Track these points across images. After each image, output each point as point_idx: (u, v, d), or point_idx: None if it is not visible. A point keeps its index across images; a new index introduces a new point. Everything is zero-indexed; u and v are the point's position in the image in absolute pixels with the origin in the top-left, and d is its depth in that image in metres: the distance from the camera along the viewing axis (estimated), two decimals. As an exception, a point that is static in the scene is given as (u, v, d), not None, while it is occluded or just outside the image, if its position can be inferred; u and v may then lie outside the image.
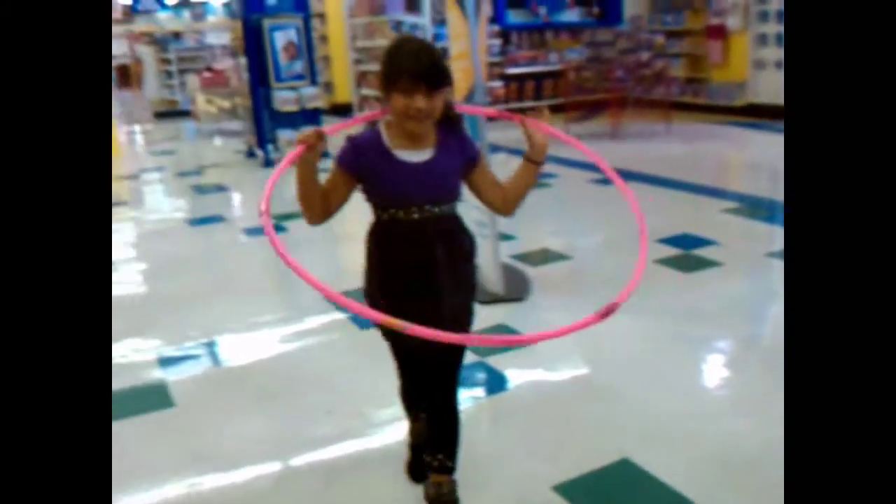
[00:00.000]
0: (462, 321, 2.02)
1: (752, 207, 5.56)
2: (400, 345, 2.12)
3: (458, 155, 1.94)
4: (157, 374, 3.20)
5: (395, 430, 2.65)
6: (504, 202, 2.01)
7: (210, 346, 3.48)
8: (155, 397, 2.99)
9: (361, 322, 3.63)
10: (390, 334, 2.09)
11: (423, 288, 1.93)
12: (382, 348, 3.32)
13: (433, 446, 2.13)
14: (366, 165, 1.90)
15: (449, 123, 1.93)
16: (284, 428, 2.74)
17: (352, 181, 1.93)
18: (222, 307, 3.97)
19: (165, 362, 3.31)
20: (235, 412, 2.88)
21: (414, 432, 2.41)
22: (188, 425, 2.80)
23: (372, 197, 1.95)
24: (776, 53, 9.62)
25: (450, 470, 2.13)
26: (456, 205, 1.99)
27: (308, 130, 1.85)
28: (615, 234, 5.04)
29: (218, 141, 10.64)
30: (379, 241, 1.98)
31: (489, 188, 2.00)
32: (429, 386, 2.11)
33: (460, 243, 2.00)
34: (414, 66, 1.76)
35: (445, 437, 2.12)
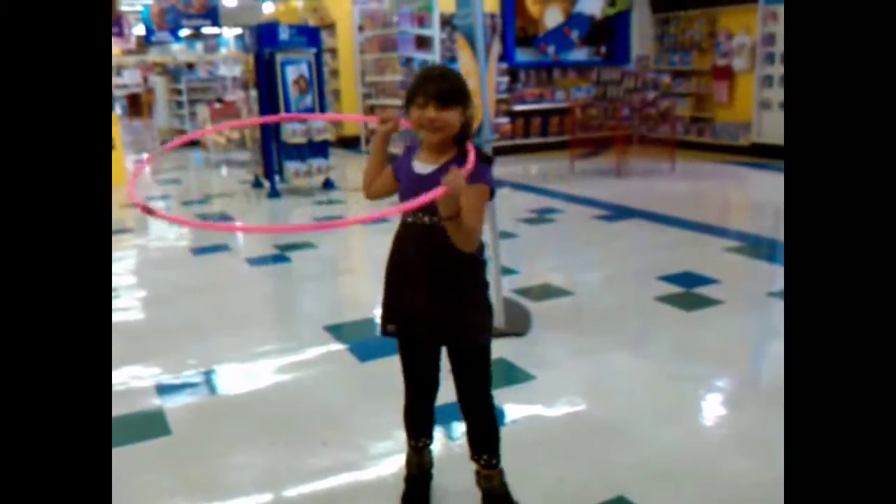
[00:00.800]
0: (455, 325, 2.10)
1: (755, 247, 5.56)
2: (412, 350, 2.25)
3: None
4: (155, 401, 3.20)
5: (390, 462, 2.64)
6: None
7: (208, 374, 3.47)
8: (152, 425, 2.98)
9: (361, 354, 3.63)
10: (404, 341, 2.23)
11: (407, 285, 2.12)
12: (380, 381, 3.34)
13: (476, 448, 2.27)
14: (398, 167, 2.17)
15: (467, 148, 2.06)
16: (280, 458, 2.72)
17: (391, 176, 2.19)
18: (222, 336, 3.97)
19: (163, 390, 3.30)
20: (232, 441, 2.86)
21: (412, 462, 2.41)
22: (184, 454, 2.79)
23: None
24: (781, 94, 9.70)
25: (495, 465, 2.27)
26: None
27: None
28: (617, 271, 5.06)
29: (225, 171, 10.73)
30: (394, 238, 2.19)
31: (463, 214, 2.01)
32: (458, 388, 2.21)
33: (451, 254, 2.01)
34: (427, 84, 2.01)
35: (486, 438, 2.26)
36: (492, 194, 2.06)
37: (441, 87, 2.00)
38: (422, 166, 2.09)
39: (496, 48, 6.61)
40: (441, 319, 2.08)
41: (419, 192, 2.00)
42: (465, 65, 3.83)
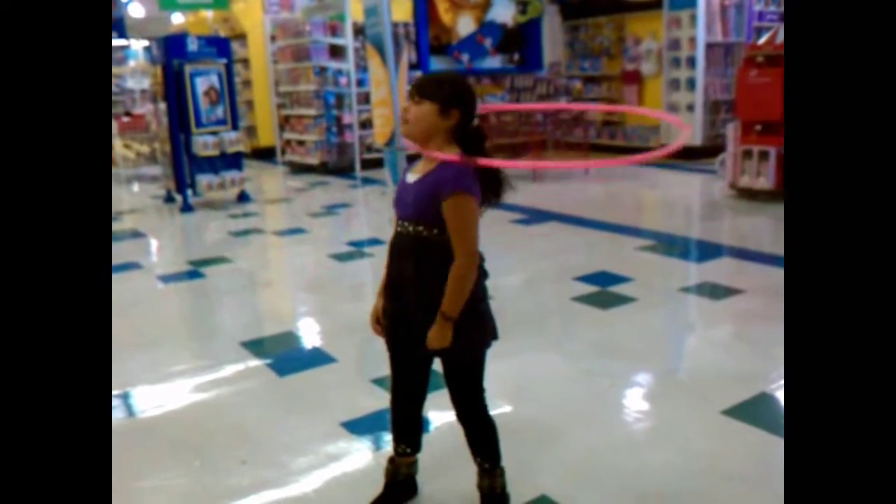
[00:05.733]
0: (446, 348, 2.04)
1: (667, 244, 5.73)
2: (401, 356, 2.22)
3: (433, 183, 1.96)
4: (63, 428, 3.05)
5: (312, 477, 2.60)
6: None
7: (123, 397, 3.34)
8: (59, 453, 2.84)
9: (280, 369, 3.56)
10: (393, 346, 2.22)
11: (396, 296, 2.11)
12: (299, 395, 3.29)
13: (472, 450, 2.27)
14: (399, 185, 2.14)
15: (460, 159, 1.97)
16: (198, 480, 2.64)
17: None
18: (136, 357, 3.83)
19: (72, 416, 3.16)
20: (147, 465, 2.76)
21: (386, 470, 2.37)
22: (95, 482, 2.67)
23: None
24: (687, 97, 10.06)
25: (491, 470, 2.26)
26: (444, 234, 1.97)
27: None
28: (535, 273, 5.13)
29: (135, 186, 10.40)
30: (388, 245, 2.14)
31: (450, 235, 1.97)
32: (452, 395, 2.20)
33: (430, 269, 1.99)
34: (414, 81, 2.06)
35: (479, 442, 2.25)
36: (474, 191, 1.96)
37: (419, 81, 2.02)
38: (413, 175, 2.06)
39: (406, 57, 6.67)
40: (420, 329, 2.03)
41: (405, 200, 2.04)
42: (375, 73, 3.84)
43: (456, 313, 1.98)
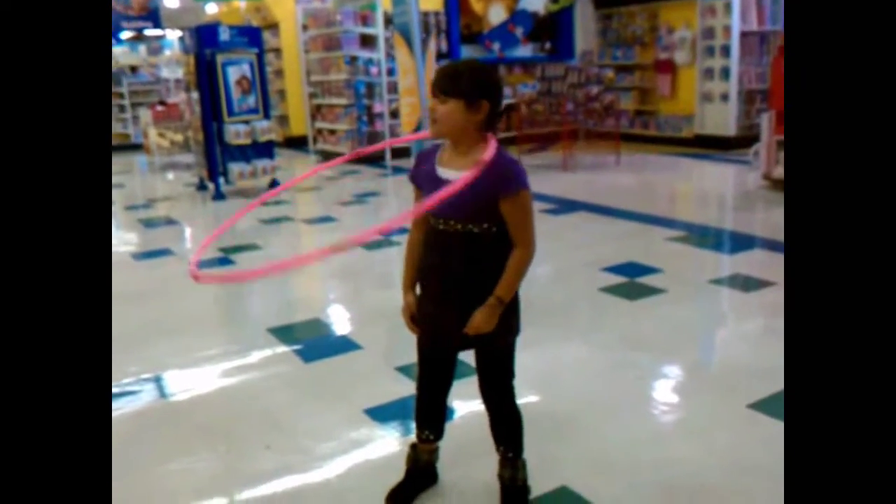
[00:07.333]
0: (484, 335, 2.04)
1: (698, 236, 5.66)
2: (432, 350, 2.23)
3: (490, 182, 1.90)
4: (94, 411, 3.11)
5: (335, 463, 2.62)
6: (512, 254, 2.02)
7: (152, 381, 3.40)
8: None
9: (306, 355, 3.59)
10: (424, 340, 2.22)
11: (439, 294, 2.09)
12: (324, 381, 3.32)
13: (496, 439, 2.27)
14: (419, 174, 2.11)
15: (498, 153, 1.93)
16: (222, 464, 2.68)
17: (419, 191, 2.13)
18: (166, 342, 3.89)
19: (103, 399, 3.22)
20: (172, 448, 2.80)
21: (408, 457, 2.39)
22: (127, 462, 2.72)
23: None
24: (721, 87, 9.91)
25: (514, 460, 2.27)
26: (493, 227, 1.99)
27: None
28: (564, 264, 5.10)
29: (170, 174, 10.54)
30: (422, 245, 2.14)
31: (511, 230, 2.00)
32: (480, 382, 2.21)
33: (482, 262, 2.02)
34: (434, 77, 1.99)
35: (505, 431, 2.25)
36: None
37: (438, 77, 1.96)
38: (450, 172, 1.98)
39: (433, 45, 6.66)
40: (461, 326, 2.03)
41: (448, 198, 1.90)
42: (403, 62, 3.83)
43: (509, 298, 2.02)
